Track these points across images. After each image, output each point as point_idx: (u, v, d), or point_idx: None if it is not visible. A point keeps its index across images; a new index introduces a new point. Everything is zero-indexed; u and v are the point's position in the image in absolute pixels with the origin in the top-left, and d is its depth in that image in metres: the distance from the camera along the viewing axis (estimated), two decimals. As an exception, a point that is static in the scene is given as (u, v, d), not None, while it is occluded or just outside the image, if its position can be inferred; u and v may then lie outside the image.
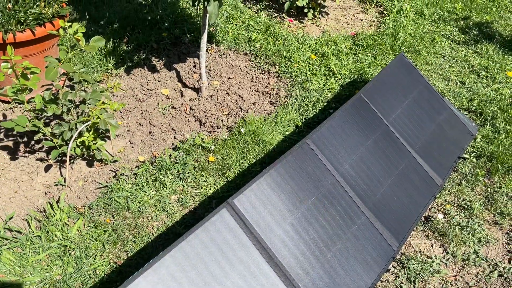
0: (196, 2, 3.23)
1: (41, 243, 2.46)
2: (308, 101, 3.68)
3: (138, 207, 2.72)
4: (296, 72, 4.04)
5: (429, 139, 3.22)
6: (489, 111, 3.65)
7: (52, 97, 2.57)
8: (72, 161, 2.98)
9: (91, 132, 2.78)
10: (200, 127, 3.54)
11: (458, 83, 4.10)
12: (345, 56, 4.32)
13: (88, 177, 2.95)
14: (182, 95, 3.85)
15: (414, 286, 2.40)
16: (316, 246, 2.33)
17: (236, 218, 2.19)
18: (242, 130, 3.26)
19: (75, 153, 2.85)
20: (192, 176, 2.94)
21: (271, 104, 3.81)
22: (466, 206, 2.87)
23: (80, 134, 2.76)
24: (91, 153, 2.93)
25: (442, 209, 2.86)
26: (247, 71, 4.19)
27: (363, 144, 2.88)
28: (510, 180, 3.02)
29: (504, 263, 2.57)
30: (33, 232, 2.52)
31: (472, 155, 3.26)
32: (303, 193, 2.45)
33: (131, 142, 3.32)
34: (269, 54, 4.25)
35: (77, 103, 2.84)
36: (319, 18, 5.02)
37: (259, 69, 4.21)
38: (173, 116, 3.62)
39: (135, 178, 2.90)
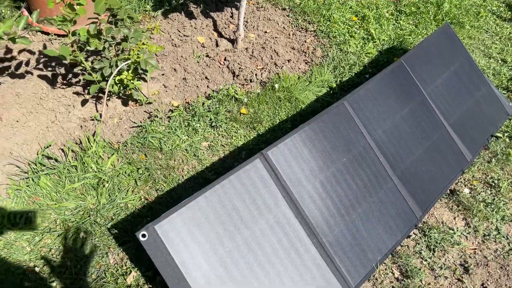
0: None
1: (76, 173, 2.56)
2: (344, 64, 3.63)
3: (170, 149, 2.78)
4: (335, 32, 3.95)
5: (464, 114, 3.17)
6: (529, 93, 3.56)
7: (96, 32, 2.58)
8: (108, 98, 3.03)
9: (130, 71, 2.80)
10: (233, 79, 3.54)
11: (500, 61, 3.99)
12: (386, 21, 4.20)
13: (123, 115, 3.00)
14: (217, 45, 3.82)
15: (433, 254, 2.45)
16: (342, 205, 2.38)
17: (268, 169, 2.24)
18: (276, 86, 3.25)
19: (112, 91, 2.89)
20: (224, 126, 2.97)
21: (306, 63, 3.77)
22: (493, 184, 2.86)
23: (119, 72, 2.79)
24: (127, 92, 2.97)
25: (469, 184, 2.86)
26: (284, 27, 4.12)
27: (399, 111, 2.86)
28: (541, 164, 2.99)
29: (524, 243, 2.60)
30: (69, 161, 2.61)
31: (506, 134, 3.22)
32: (335, 153, 2.47)
33: (165, 86, 3.35)
34: (308, 11, 4.16)
35: (119, 40, 2.85)
36: (363, -21, 4.85)
37: (296, 26, 4.13)
38: (207, 65, 3.61)
39: (168, 121, 2.95)
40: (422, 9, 4.36)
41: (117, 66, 2.75)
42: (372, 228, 2.42)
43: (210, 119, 3.00)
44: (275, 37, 3.97)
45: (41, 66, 3.12)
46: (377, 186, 2.54)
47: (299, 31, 4.09)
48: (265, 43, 3.88)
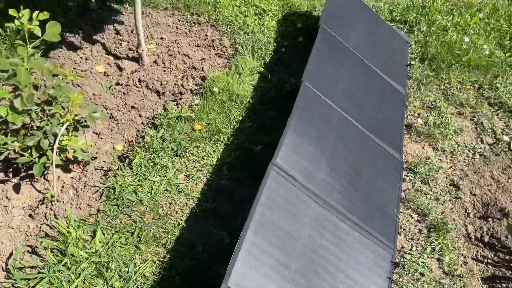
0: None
1: (68, 271, 2.15)
2: (258, 45, 3.61)
3: (151, 197, 2.51)
4: (229, 18, 3.88)
5: (382, 55, 3.46)
6: (412, 18, 4.02)
7: (21, 104, 2.11)
8: (46, 171, 2.56)
9: (70, 133, 2.40)
10: (160, 98, 3.27)
11: (373, -2, 4.39)
12: (266, -9, 4.25)
13: (76, 184, 2.58)
14: (121, 69, 3.46)
15: (429, 186, 2.71)
16: (351, 179, 2.46)
17: (286, 176, 2.19)
18: (216, 89, 3.11)
19: (50, 162, 2.44)
20: (188, 150, 2.77)
21: (220, 56, 3.65)
22: (433, 106, 3.24)
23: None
24: (69, 156, 2.54)
25: (415, 114, 3.19)
26: (177, 27, 3.90)
27: (343, 71, 3.00)
28: (454, 74, 3.46)
29: (479, 144, 3.03)
30: (53, 261, 2.18)
31: (416, 59, 3.62)
32: (323, 134, 2.51)
33: (97, 134, 2.95)
34: (191, 4, 3.98)
35: (42, 104, 2.38)
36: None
37: (187, 22, 3.94)
38: (125, 94, 3.26)
39: (131, 169, 2.63)
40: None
41: (53, 133, 2.32)
42: (378, 186, 2.57)
43: (172, 149, 2.76)
44: (175, 40, 3.74)
45: None
46: (363, 148, 2.67)
47: (194, 27, 3.91)
48: (169, 50, 3.64)
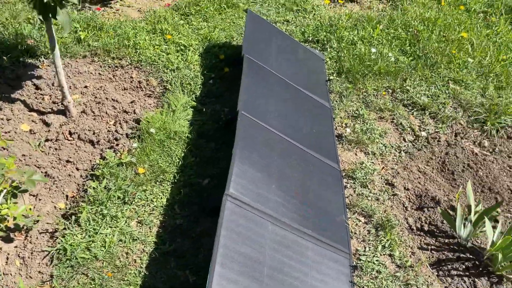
0: (45, 16, 2.78)
1: None
2: (186, 80, 3.69)
3: (106, 251, 2.44)
4: (151, 57, 3.92)
5: (303, 74, 3.71)
6: (323, 37, 4.35)
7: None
8: (-15, 247, 2.40)
9: (9, 201, 2.28)
10: (95, 147, 3.21)
11: (284, 22, 4.67)
12: (182, 27, 4.37)
13: (21, 253, 2.44)
14: (47, 124, 3.34)
15: (368, 188, 2.93)
16: (300, 195, 2.59)
17: (241, 204, 2.26)
18: (152, 130, 3.12)
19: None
20: (136, 195, 2.74)
21: (149, 96, 3.66)
22: (356, 114, 3.51)
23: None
24: (9, 225, 2.41)
25: (343, 124, 3.44)
26: (99, 73, 3.85)
27: (273, 95, 3.17)
28: (369, 83, 3.79)
29: (402, 142, 3.34)
30: None
31: (334, 74, 3.91)
32: (268, 159, 2.63)
33: (34, 196, 2.81)
34: (111, 48, 3.97)
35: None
36: (129, -3, 4.83)
37: (110, 67, 3.92)
38: (57, 149, 3.15)
39: (79, 226, 2.54)
40: (202, 4, 4.68)
41: (-9, 204, 2.19)
42: (325, 197, 2.73)
43: (119, 197, 2.71)
44: (100, 87, 3.69)
45: None
46: (304, 164, 2.84)
47: (117, 70, 3.89)
48: (96, 97, 3.58)
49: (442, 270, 2.53)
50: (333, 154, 3.09)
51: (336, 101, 3.65)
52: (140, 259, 2.46)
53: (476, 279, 2.48)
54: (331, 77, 3.88)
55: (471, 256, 2.61)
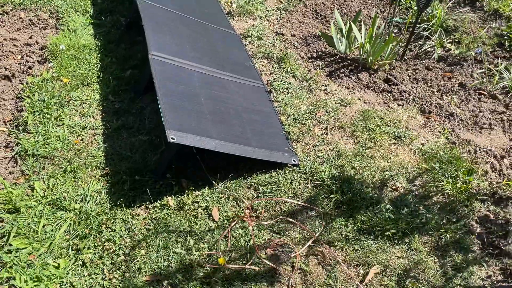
0: None
1: (28, 218, 2.35)
2: (76, 3, 3.87)
3: (63, 143, 2.75)
4: (33, -4, 4.00)
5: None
6: None
7: None
8: None
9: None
10: (12, 81, 3.36)
11: None
12: None
13: (-15, 166, 2.66)
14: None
15: (263, 40, 3.52)
16: (209, 51, 3.09)
17: (163, 59, 2.70)
18: (62, 46, 3.34)
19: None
20: (70, 99, 3.03)
21: (45, 29, 3.80)
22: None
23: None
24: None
25: (228, 3, 3.93)
26: (-14, 23, 3.86)
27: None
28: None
29: (280, 4, 3.95)
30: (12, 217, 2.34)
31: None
32: (176, 29, 3.06)
33: (-28, 129, 2.96)
34: None
35: None
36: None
37: (-6, 16, 3.93)
38: (-25, 91, 3.26)
39: (29, 133, 2.80)
40: None
41: None
42: (232, 52, 3.26)
43: (55, 103, 2.98)
44: (-7, 33, 3.74)
45: None
46: (206, 32, 3.31)
47: (4, 16, 3.92)
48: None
49: (333, 76, 3.25)
50: (227, 23, 3.60)
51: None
52: (96, 140, 2.81)
53: (359, 74, 3.24)
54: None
55: (352, 63, 3.36)
